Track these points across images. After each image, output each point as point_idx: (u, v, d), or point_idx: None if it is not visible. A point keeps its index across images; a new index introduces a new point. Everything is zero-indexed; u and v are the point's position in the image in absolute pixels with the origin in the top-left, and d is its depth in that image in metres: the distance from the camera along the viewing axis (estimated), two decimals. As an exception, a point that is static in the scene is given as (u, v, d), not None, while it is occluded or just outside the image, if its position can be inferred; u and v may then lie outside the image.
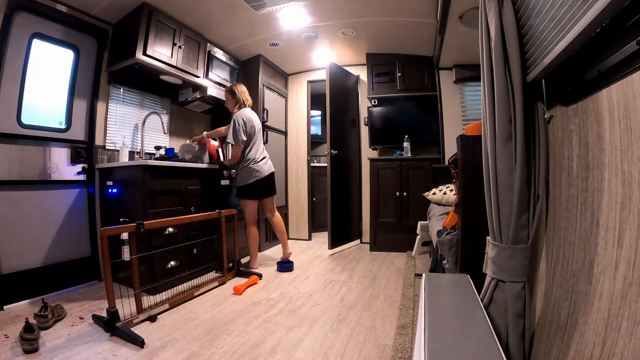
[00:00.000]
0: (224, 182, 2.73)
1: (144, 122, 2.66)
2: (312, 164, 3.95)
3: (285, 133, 3.91)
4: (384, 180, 3.24)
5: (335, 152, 3.17)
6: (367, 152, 3.62)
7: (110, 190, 2.25)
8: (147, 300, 1.81)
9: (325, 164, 4.74)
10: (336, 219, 3.19)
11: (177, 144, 3.08)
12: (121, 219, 2.04)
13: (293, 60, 3.66)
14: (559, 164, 0.85)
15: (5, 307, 1.82)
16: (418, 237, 2.84)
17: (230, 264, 2.48)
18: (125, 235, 1.80)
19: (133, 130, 2.66)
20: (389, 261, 2.89)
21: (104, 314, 1.59)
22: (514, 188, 0.88)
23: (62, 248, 2.14)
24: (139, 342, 1.42)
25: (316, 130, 5.00)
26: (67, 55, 2.21)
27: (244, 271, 2.45)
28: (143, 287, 1.73)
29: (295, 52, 3.40)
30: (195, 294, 2.05)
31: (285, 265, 2.64)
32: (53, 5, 2.08)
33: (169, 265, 2.13)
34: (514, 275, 0.89)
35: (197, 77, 2.81)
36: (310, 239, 3.87)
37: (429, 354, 0.60)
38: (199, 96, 2.90)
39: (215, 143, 3.18)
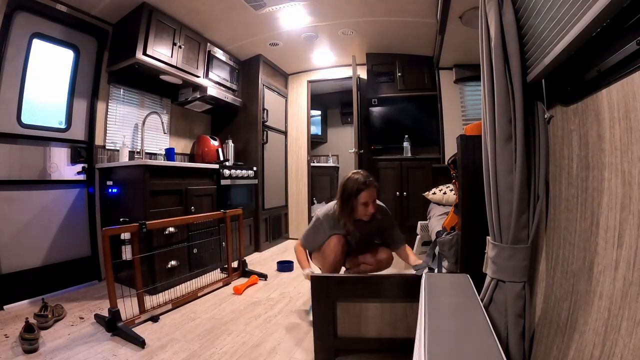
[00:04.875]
0: (224, 182, 2.73)
1: (144, 122, 2.66)
2: (312, 164, 3.96)
3: (285, 133, 3.91)
4: (384, 180, 3.24)
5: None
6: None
7: (110, 190, 2.25)
8: (150, 300, 1.81)
9: (325, 164, 4.76)
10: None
11: (177, 144, 3.08)
12: (121, 219, 2.04)
13: (293, 60, 3.66)
14: (559, 164, 0.85)
15: (5, 307, 1.82)
16: (418, 237, 2.84)
17: (236, 264, 2.48)
18: (126, 235, 1.80)
19: (133, 130, 2.66)
20: (389, 261, 2.88)
21: (104, 313, 1.59)
22: (514, 188, 0.88)
23: (62, 248, 2.14)
24: (139, 342, 1.42)
25: (316, 130, 5.00)
26: (67, 55, 2.21)
27: (250, 272, 2.45)
28: (144, 287, 1.73)
29: (295, 52, 3.40)
30: (200, 294, 2.04)
31: (285, 265, 2.64)
32: (53, 5, 2.08)
33: (169, 265, 2.13)
34: (514, 275, 0.89)
35: (197, 77, 2.81)
36: (310, 238, 3.87)
37: (429, 354, 0.60)
38: (199, 96, 2.91)
39: (216, 143, 3.19)
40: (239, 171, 2.93)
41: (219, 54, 3.09)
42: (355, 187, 1.60)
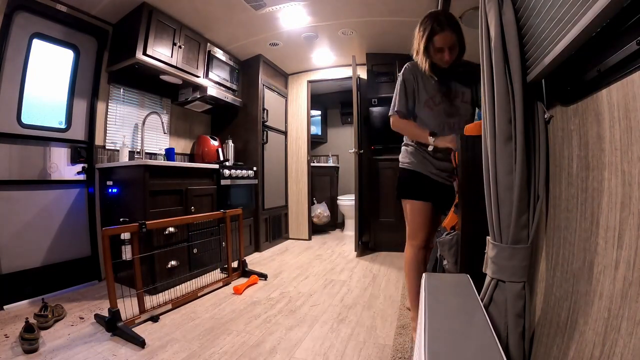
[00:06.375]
0: (224, 182, 2.73)
1: (144, 122, 2.66)
2: (312, 164, 3.96)
3: (285, 133, 3.91)
4: (384, 180, 3.24)
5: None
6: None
7: (110, 190, 2.25)
8: (150, 300, 1.81)
9: (325, 164, 4.77)
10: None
11: (177, 144, 3.08)
12: (121, 219, 2.04)
13: (293, 60, 3.66)
14: (559, 164, 0.85)
15: (5, 307, 1.82)
16: (418, 237, 2.83)
17: (236, 264, 2.49)
18: (126, 235, 1.80)
19: (133, 130, 2.66)
20: (389, 261, 2.89)
21: (104, 313, 1.59)
22: (513, 188, 0.88)
23: (62, 248, 2.15)
24: (139, 342, 1.42)
25: (316, 130, 5.00)
26: (67, 55, 2.21)
27: (250, 271, 2.45)
28: (144, 287, 1.73)
29: (295, 52, 3.40)
30: (200, 294, 2.05)
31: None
32: (53, 5, 2.08)
33: (169, 265, 2.13)
34: (513, 275, 0.89)
35: (197, 77, 2.81)
36: (310, 239, 3.87)
37: (429, 354, 0.60)
38: (199, 96, 2.91)
39: (216, 143, 3.19)
40: (239, 171, 2.94)
41: (219, 54, 3.09)
42: (428, 28, 1.34)
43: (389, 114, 1.54)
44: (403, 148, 1.60)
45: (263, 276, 2.40)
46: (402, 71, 1.48)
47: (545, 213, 0.94)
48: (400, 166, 1.58)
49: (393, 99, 1.50)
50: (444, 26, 1.33)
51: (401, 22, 2.74)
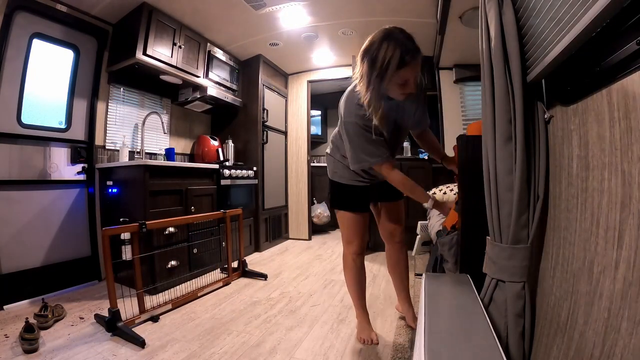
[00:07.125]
0: (224, 182, 2.73)
1: (144, 122, 2.66)
2: (312, 164, 3.96)
3: (285, 133, 3.91)
4: (384, 180, 3.23)
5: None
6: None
7: (110, 190, 2.25)
8: (150, 300, 1.81)
9: (325, 164, 4.77)
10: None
11: (177, 144, 3.08)
12: (121, 219, 2.04)
13: (293, 60, 3.66)
14: (559, 164, 0.85)
15: (5, 307, 1.82)
16: (418, 237, 2.84)
17: (236, 264, 2.49)
18: (126, 235, 1.80)
19: (133, 130, 2.66)
20: (389, 261, 2.88)
21: (104, 313, 1.59)
22: (514, 188, 0.88)
23: (62, 248, 2.15)
24: (139, 342, 1.42)
25: (316, 130, 5.00)
26: (67, 55, 2.21)
27: (250, 272, 2.45)
28: (144, 287, 1.73)
29: (295, 52, 3.40)
30: (200, 294, 2.05)
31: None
32: (53, 5, 2.08)
33: (169, 265, 2.13)
34: (513, 275, 0.89)
35: (197, 77, 2.81)
36: (310, 239, 3.87)
37: (429, 354, 0.60)
38: (199, 96, 2.91)
39: (216, 143, 3.19)
40: (239, 171, 2.94)
41: (219, 54, 3.09)
42: (396, 57, 1.02)
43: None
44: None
45: (263, 276, 2.40)
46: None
47: (545, 213, 0.94)
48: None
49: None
50: (416, 54, 1.07)
51: (401, 22, 2.72)
